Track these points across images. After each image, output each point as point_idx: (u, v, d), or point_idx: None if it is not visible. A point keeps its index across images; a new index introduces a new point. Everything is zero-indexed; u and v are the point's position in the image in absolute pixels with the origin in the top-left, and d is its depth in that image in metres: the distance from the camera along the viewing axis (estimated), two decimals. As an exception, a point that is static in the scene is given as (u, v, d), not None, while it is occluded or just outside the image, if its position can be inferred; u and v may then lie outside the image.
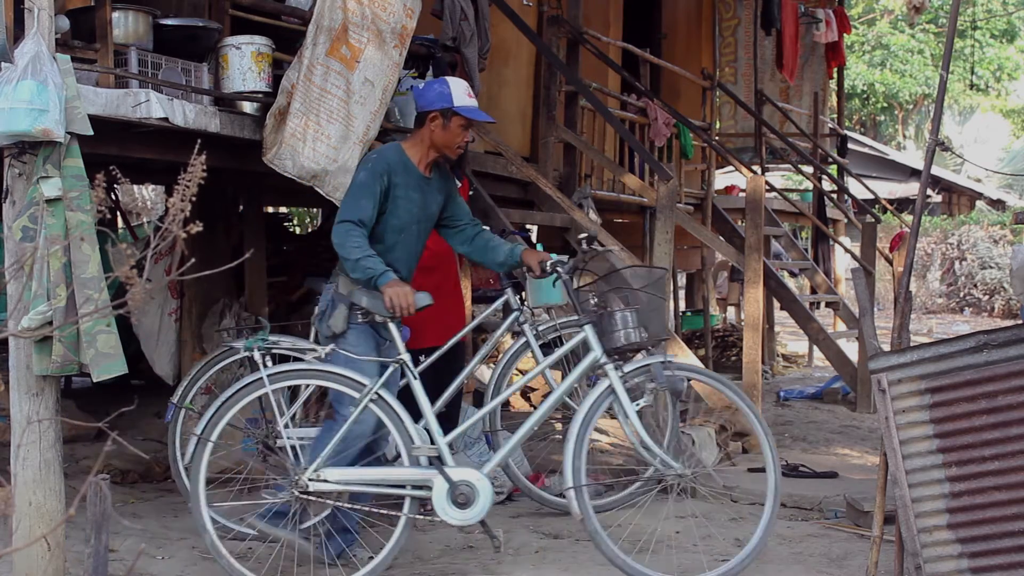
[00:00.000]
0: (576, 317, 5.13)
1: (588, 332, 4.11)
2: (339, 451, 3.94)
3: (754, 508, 5.13)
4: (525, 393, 8.04)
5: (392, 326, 4.03)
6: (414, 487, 3.94)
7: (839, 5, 11.71)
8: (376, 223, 4.07)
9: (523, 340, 4.94)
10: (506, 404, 7.69)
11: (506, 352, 5.04)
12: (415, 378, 4.09)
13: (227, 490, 4.73)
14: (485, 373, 7.61)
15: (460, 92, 4.15)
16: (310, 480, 3.89)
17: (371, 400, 3.91)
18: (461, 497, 3.92)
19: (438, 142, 4.17)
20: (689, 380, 4.51)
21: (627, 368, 4.05)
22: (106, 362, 3.46)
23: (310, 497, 3.91)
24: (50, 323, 3.36)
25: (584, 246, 4.32)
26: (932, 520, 3.28)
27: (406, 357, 4.05)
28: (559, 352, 4.31)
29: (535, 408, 7.82)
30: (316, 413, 4.86)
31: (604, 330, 4.08)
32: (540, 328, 4.96)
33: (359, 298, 3.99)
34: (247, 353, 4.28)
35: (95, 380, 3.51)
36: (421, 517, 4.02)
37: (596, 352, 4.08)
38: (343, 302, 4.05)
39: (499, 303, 5.10)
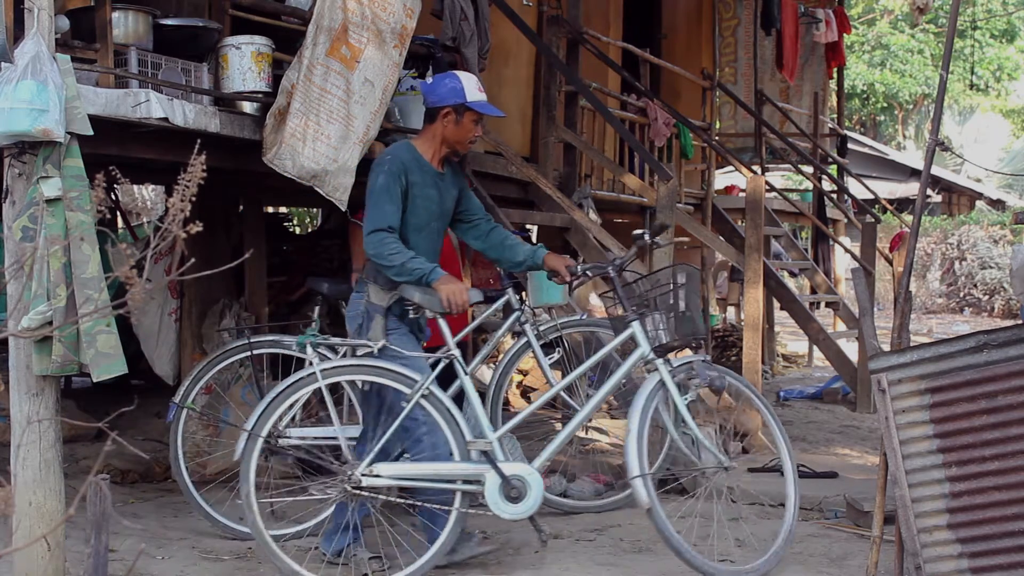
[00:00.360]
0: (577, 317, 5.14)
1: (636, 329, 4.17)
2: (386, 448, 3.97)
3: (754, 508, 5.13)
4: (525, 393, 8.04)
5: (443, 322, 4.05)
6: (465, 482, 3.96)
7: (839, 5, 11.71)
8: (404, 230, 4.08)
9: (524, 340, 4.95)
10: (506, 404, 7.70)
11: (507, 352, 5.04)
12: (465, 373, 4.15)
13: (227, 489, 4.74)
14: (486, 374, 7.62)
15: (472, 87, 4.14)
16: (363, 476, 3.89)
17: (422, 396, 3.93)
18: (514, 492, 3.96)
19: (450, 138, 4.17)
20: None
21: (672, 365, 4.14)
22: (106, 362, 3.46)
23: (362, 492, 3.91)
24: (50, 323, 3.36)
25: (644, 240, 4.33)
26: (932, 520, 3.28)
27: (457, 352, 4.09)
28: (603, 351, 4.32)
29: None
30: (316, 414, 4.86)
31: (650, 327, 4.16)
32: (541, 328, 4.96)
33: (411, 293, 3.98)
34: (298, 349, 4.23)
35: (95, 380, 3.50)
36: (472, 511, 4.05)
37: (644, 348, 4.16)
38: (377, 312, 4.06)
39: (500, 303, 5.10)
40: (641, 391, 4.10)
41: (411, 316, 4.04)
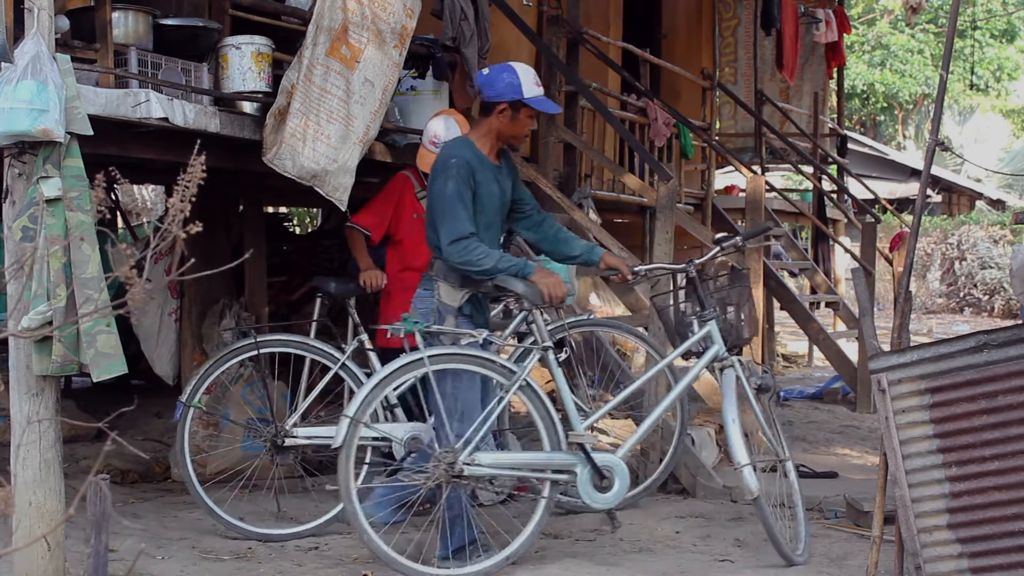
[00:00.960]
0: (583, 316, 5.14)
1: (712, 328, 4.30)
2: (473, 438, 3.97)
3: (754, 508, 5.12)
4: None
5: (537, 315, 4.13)
6: (555, 471, 4.03)
7: (839, 5, 11.71)
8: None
9: (531, 340, 4.94)
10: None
11: (513, 353, 5.04)
12: (558, 365, 4.21)
13: (228, 489, 4.74)
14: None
15: (529, 82, 4.10)
16: (465, 464, 3.89)
17: (519, 387, 3.98)
18: (605, 482, 4.06)
19: (505, 132, 4.16)
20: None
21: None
22: (106, 362, 3.46)
23: (461, 480, 3.93)
24: (50, 323, 3.36)
25: (735, 243, 4.51)
26: (932, 520, 3.28)
27: (551, 343, 4.17)
28: (686, 344, 4.37)
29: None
30: (317, 413, 4.86)
31: (724, 326, 4.32)
32: (548, 328, 4.96)
33: (514, 284, 3.99)
34: (405, 334, 4.12)
35: (95, 380, 3.50)
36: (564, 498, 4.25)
37: (719, 346, 4.29)
38: (449, 312, 4.09)
39: (509, 301, 5.10)
40: (727, 387, 4.27)
41: (510, 307, 4.13)
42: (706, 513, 5.02)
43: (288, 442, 4.67)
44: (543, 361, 4.17)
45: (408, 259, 5.08)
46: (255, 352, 4.66)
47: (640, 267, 4.46)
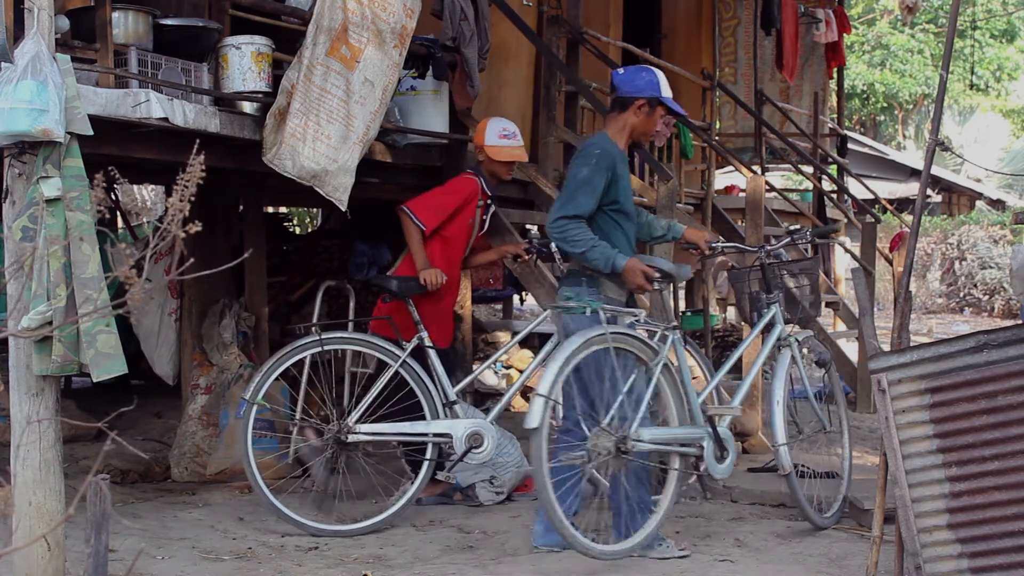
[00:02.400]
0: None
1: (776, 310, 4.72)
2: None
3: (754, 508, 5.13)
4: (525, 393, 8.03)
5: (667, 294, 4.50)
6: (683, 444, 4.28)
7: (839, 5, 11.70)
8: (614, 216, 4.28)
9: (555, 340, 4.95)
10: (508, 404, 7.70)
11: (540, 355, 5.03)
12: (685, 347, 4.52)
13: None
14: (489, 377, 7.62)
15: (664, 83, 4.36)
16: (633, 440, 4.04)
17: (662, 365, 4.19)
18: (725, 453, 4.37)
19: (638, 128, 4.37)
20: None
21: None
22: (106, 362, 3.45)
23: (626, 456, 4.07)
24: (50, 323, 3.36)
25: (806, 236, 5.11)
26: (932, 520, 3.28)
27: (678, 324, 4.45)
28: (758, 327, 4.79)
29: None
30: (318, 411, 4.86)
31: (792, 307, 4.76)
32: None
33: (662, 264, 4.29)
34: (583, 311, 4.20)
35: (95, 380, 3.50)
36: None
37: (780, 327, 4.73)
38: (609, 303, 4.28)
39: (540, 318, 5.12)
40: (780, 366, 4.72)
41: (656, 287, 4.32)
42: (706, 513, 5.02)
43: (352, 438, 4.67)
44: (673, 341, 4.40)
45: (451, 260, 5.10)
46: (319, 348, 4.65)
47: (717, 243, 4.77)
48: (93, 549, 2.75)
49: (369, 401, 4.67)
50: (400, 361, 4.68)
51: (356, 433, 4.66)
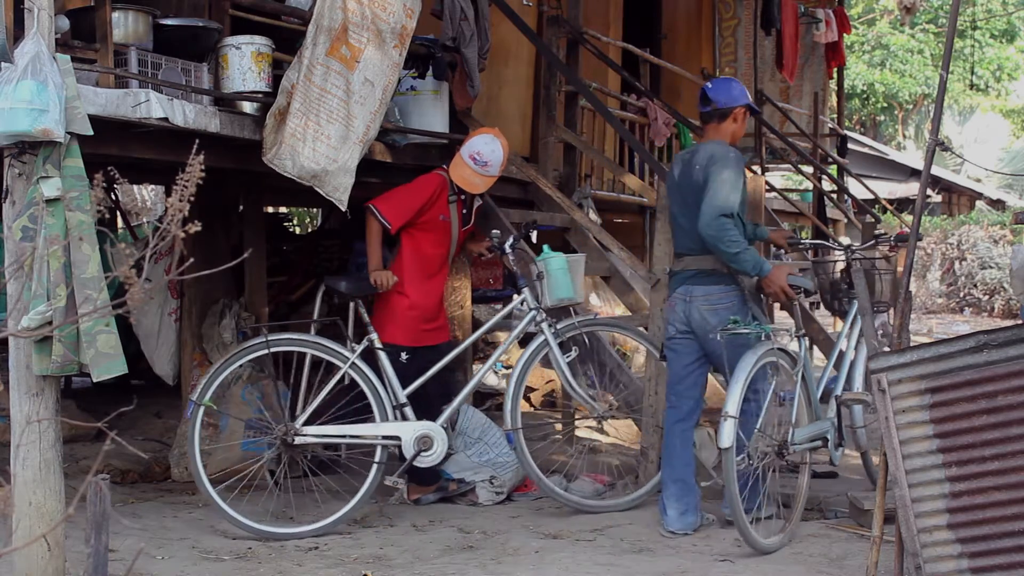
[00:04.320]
0: (591, 316, 5.16)
1: (856, 305, 5.22)
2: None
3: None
4: (525, 394, 8.03)
5: (796, 306, 4.84)
6: (813, 440, 4.71)
7: (839, 5, 11.70)
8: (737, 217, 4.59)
9: (542, 339, 4.94)
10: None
11: (525, 351, 5.03)
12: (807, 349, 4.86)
13: (226, 488, 4.74)
14: (489, 378, 7.61)
15: (748, 90, 4.87)
16: (793, 446, 4.50)
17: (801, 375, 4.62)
18: (842, 441, 4.94)
19: (737, 134, 4.79)
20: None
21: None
22: (106, 362, 3.45)
23: (782, 460, 4.54)
24: (50, 323, 3.35)
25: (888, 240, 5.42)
26: (932, 520, 3.27)
27: (802, 332, 4.89)
28: (847, 322, 5.24)
29: (535, 408, 7.84)
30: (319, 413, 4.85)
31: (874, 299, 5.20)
32: (559, 327, 4.95)
33: (798, 277, 4.81)
34: (763, 336, 4.53)
35: (95, 380, 3.50)
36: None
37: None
38: (754, 301, 4.68)
39: (517, 302, 5.10)
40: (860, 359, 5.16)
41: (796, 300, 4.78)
42: (711, 510, 5.01)
43: (298, 440, 4.67)
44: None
45: (424, 257, 5.06)
46: (266, 351, 4.65)
47: (804, 241, 5.36)
48: (93, 549, 2.75)
49: (317, 403, 4.68)
50: (349, 363, 4.67)
51: (302, 435, 4.66)
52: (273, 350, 4.68)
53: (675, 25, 10.61)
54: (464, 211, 5.19)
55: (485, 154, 5.02)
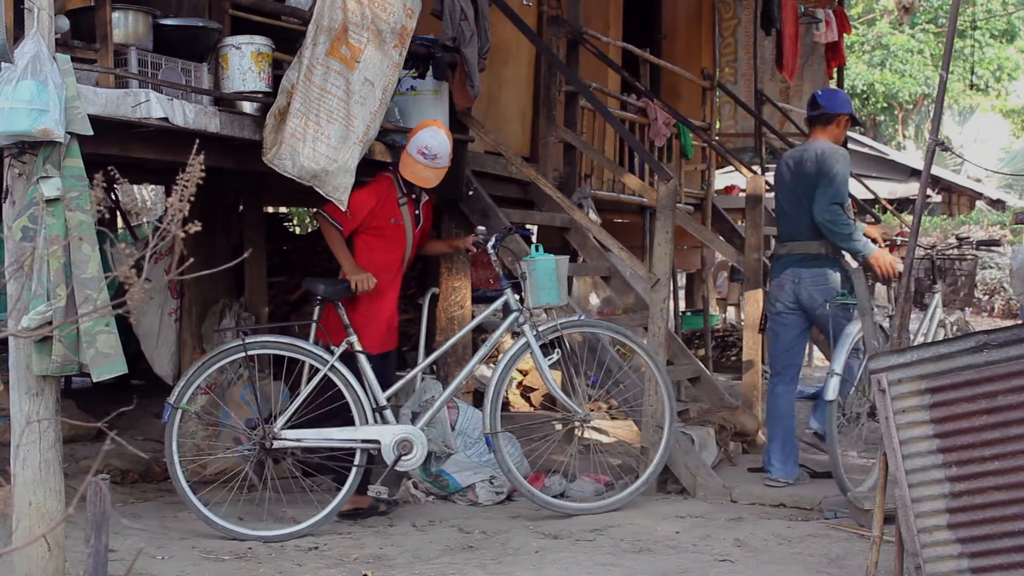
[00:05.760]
0: (576, 317, 5.15)
1: (937, 299, 5.77)
2: None
3: (754, 508, 5.13)
4: (525, 393, 8.04)
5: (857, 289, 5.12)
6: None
7: (839, 5, 11.69)
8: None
9: (523, 341, 4.94)
10: (505, 405, 7.70)
11: (506, 353, 5.03)
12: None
13: (226, 490, 4.74)
14: (485, 372, 7.61)
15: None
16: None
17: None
18: None
19: (839, 138, 5.52)
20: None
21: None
22: (106, 362, 3.45)
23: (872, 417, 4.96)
24: (50, 323, 3.35)
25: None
26: (932, 520, 3.27)
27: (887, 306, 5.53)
28: (927, 314, 5.69)
29: (535, 408, 7.83)
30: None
31: (950, 295, 5.80)
32: (540, 329, 4.95)
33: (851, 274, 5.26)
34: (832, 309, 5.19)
35: (95, 380, 3.50)
36: None
37: (941, 315, 5.72)
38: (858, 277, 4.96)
39: (498, 303, 5.10)
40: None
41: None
42: (706, 513, 5.02)
43: (277, 444, 4.66)
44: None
45: (379, 263, 4.99)
46: (243, 354, 4.64)
47: (898, 239, 5.72)
48: (93, 549, 2.75)
49: (296, 406, 4.67)
50: (328, 365, 4.67)
51: (281, 439, 4.65)
52: (250, 352, 4.65)
53: (675, 25, 10.61)
54: (416, 212, 5.10)
55: (433, 147, 4.94)
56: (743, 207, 7.35)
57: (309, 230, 13.24)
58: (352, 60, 4.55)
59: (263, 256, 6.11)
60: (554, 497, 5.09)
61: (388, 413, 4.79)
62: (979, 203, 22.89)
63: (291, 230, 12.20)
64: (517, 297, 5.02)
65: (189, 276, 2.01)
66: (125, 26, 4.21)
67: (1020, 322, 3.54)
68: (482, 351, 5.13)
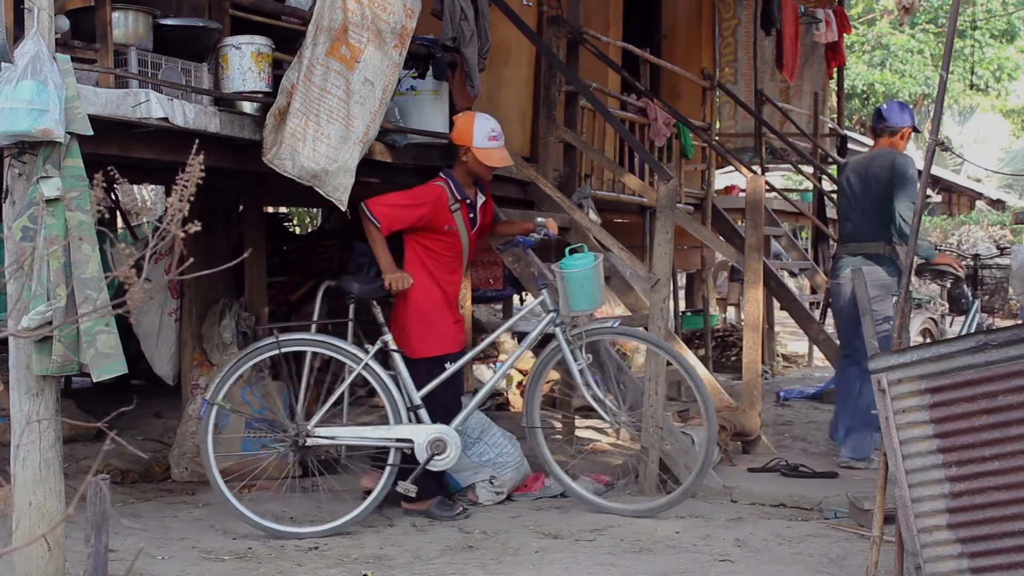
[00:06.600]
0: (608, 324, 5.23)
1: (976, 304, 6.93)
2: None
3: (754, 508, 5.13)
4: (525, 393, 8.02)
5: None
6: None
7: (839, 5, 11.70)
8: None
9: (555, 343, 4.91)
10: (504, 405, 7.69)
11: (542, 355, 4.99)
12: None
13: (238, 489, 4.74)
14: (484, 373, 7.61)
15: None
16: None
17: None
18: None
19: (901, 148, 6.00)
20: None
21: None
22: (106, 362, 3.45)
23: None
24: (50, 323, 3.35)
25: None
26: (932, 520, 3.27)
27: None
28: (968, 317, 6.70)
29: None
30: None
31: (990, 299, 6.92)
32: (572, 333, 4.91)
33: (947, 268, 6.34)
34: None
35: (95, 380, 3.50)
36: None
37: (977, 319, 6.85)
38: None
39: (535, 303, 5.07)
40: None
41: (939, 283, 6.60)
42: (706, 513, 5.02)
43: (310, 442, 4.66)
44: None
45: (431, 267, 4.94)
46: (277, 351, 4.64)
47: (959, 252, 6.31)
48: (93, 549, 2.75)
49: (330, 404, 4.67)
50: (362, 364, 4.67)
51: (314, 437, 4.65)
52: (284, 350, 4.67)
53: (675, 25, 10.61)
54: (471, 214, 5.06)
55: (496, 128, 4.97)
56: (743, 207, 7.35)
57: (309, 230, 13.25)
58: (352, 60, 4.55)
59: (263, 256, 6.11)
60: (555, 496, 5.09)
61: (423, 412, 4.77)
62: (979, 203, 22.91)
63: (291, 230, 12.21)
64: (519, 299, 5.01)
65: (189, 276, 2.00)
66: (125, 26, 4.20)
67: (1020, 322, 3.54)
68: (520, 350, 5.11)
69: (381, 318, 4.80)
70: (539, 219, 5.31)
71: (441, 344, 4.93)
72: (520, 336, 6.90)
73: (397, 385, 4.74)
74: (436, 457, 4.68)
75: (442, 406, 4.86)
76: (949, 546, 3.25)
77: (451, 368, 4.91)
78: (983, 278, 6.32)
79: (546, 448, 4.95)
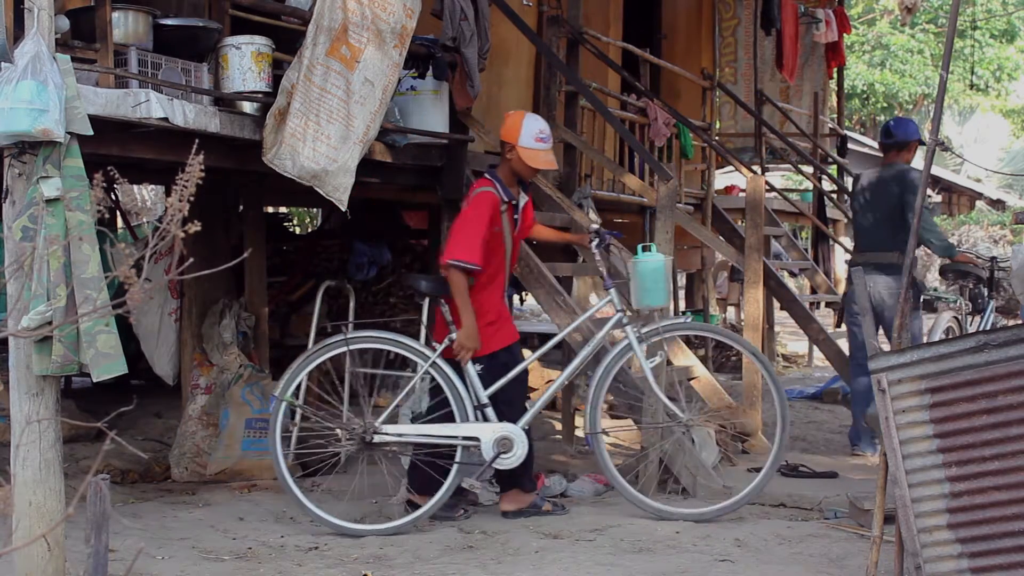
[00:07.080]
0: (681, 320, 5.33)
1: (991, 305, 7.11)
2: None
3: (754, 508, 5.13)
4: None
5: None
6: None
7: (839, 5, 11.70)
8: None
9: (625, 342, 4.89)
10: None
11: (608, 353, 4.97)
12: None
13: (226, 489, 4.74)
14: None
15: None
16: None
17: None
18: None
19: (909, 161, 6.32)
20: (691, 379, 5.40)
21: None
22: (106, 362, 3.45)
23: None
24: (50, 323, 3.35)
25: None
26: (932, 520, 3.27)
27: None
28: (985, 317, 6.98)
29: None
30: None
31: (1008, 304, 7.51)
32: (644, 331, 4.90)
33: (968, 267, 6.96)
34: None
35: (95, 380, 3.50)
36: None
37: (992, 319, 7.01)
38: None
39: (603, 302, 5.05)
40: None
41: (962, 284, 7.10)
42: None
43: (377, 439, 4.66)
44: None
45: (487, 274, 4.84)
46: (345, 348, 4.64)
47: (978, 255, 6.83)
48: (93, 549, 2.75)
49: (397, 401, 4.67)
50: (430, 361, 4.66)
51: (382, 434, 4.65)
52: (352, 347, 4.67)
53: (675, 25, 10.61)
54: (514, 216, 4.95)
55: (544, 129, 4.85)
56: (743, 207, 7.36)
57: (309, 230, 13.25)
58: (352, 60, 4.55)
59: (263, 256, 6.11)
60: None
61: (489, 411, 4.75)
62: (979, 203, 22.91)
63: (291, 230, 12.21)
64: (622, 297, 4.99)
65: (189, 276, 2.00)
66: (125, 26, 4.21)
67: (1020, 322, 3.54)
68: (585, 351, 5.00)
69: (449, 316, 4.71)
70: (594, 225, 5.22)
71: (502, 337, 4.89)
72: (541, 337, 6.85)
73: (464, 383, 4.71)
74: (502, 455, 4.67)
75: (506, 401, 4.81)
76: (949, 546, 3.25)
77: (519, 367, 4.85)
78: (999, 280, 6.58)
79: (607, 455, 4.88)
